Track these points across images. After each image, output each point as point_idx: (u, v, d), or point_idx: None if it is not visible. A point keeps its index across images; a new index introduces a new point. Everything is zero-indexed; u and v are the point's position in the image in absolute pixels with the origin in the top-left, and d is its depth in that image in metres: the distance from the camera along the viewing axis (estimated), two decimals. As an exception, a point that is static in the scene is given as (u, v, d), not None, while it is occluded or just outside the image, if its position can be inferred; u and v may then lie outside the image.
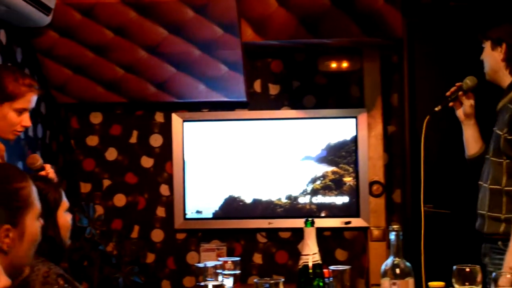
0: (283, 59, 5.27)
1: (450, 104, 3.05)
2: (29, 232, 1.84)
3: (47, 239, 2.47)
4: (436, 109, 2.99)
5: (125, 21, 4.58)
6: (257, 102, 5.26)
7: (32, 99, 3.01)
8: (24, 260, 1.87)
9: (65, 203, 2.57)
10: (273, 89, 5.29)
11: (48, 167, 3.11)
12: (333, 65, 5.19)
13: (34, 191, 1.89)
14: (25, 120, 3.00)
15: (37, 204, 1.89)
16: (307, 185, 5.12)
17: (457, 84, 3.04)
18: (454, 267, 2.27)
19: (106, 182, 5.32)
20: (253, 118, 5.19)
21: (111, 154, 5.33)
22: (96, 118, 5.35)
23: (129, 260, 4.97)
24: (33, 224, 1.87)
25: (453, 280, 2.26)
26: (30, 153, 4.48)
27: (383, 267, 2.34)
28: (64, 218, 2.56)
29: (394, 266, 2.31)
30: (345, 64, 5.19)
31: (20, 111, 2.97)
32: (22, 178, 1.87)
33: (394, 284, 2.29)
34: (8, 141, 4.02)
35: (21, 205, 1.82)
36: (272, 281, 2.47)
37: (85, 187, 5.31)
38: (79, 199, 5.15)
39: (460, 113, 3.06)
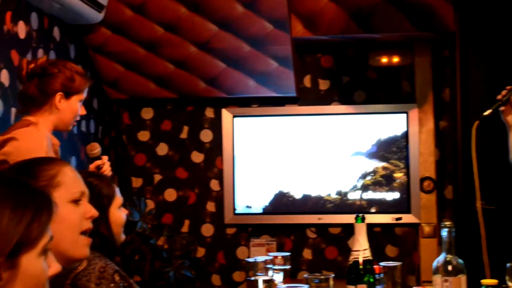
0: (333, 54, 5.25)
1: (502, 108, 2.94)
2: (59, 212, 1.75)
3: (99, 235, 2.51)
4: (486, 113, 2.88)
5: (175, 17, 4.61)
6: (307, 98, 5.25)
7: (87, 90, 3.12)
8: (63, 244, 1.77)
9: (118, 199, 2.59)
10: (323, 84, 5.28)
11: (105, 158, 3.19)
12: (384, 59, 5.15)
13: (71, 175, 1.86)
14: (82, 109, 3.12)
15: (72, 187, 1.84)
16: (357, 181, 5.09)
17: (508, 87, 2.94)
18: (508, 264, 2.24)
19: (157, 177, 5.38)
20: (303, 113, 5.18)
21: (162, 149, 5.38)
22: (147, 113, 5.41)
23: (180, 254, 5.01)
24: (62, 205, 1.78)
25: (507, 278, 2.23)
26: (83, 148, 4.56)
27: (435, 264, 2.32)
28: (117, 214, 2.59)
29: (446, 263, 2.29)
30: (396, 59, 5.14)
31: (81, 102, 3.08)
32: (51, 161, 1.86)
33: (446, 281, 2.27)
34: (62, 137, 4.11)
35: (43, 184, 1.76)
36: (322, 277, 2.47)
37: (137, 182, 5.37)
38: (130, 193, 5.22)
39: (509, 118, 2.95)
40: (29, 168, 1.81)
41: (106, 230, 2.53)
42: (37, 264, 1.31)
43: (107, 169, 3.19)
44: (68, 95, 3.04)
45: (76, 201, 1.85)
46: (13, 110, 3.63)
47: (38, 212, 1.31)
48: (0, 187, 1.30)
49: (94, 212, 1.90)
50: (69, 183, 1.83)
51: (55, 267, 1.37)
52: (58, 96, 3.01)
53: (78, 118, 3.13)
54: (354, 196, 5.10)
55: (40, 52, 4.00)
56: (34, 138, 2.91)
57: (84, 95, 3.10)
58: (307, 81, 5.27)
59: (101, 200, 2.52)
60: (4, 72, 3.58)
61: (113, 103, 5.28)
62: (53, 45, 4.20)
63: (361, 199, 5.08)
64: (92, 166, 3.21)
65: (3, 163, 1.57)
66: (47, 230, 1.33)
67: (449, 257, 2.29)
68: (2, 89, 3.55)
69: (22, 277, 1.28)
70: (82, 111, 3.14)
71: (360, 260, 2.45)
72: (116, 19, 4.63)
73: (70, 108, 3.06)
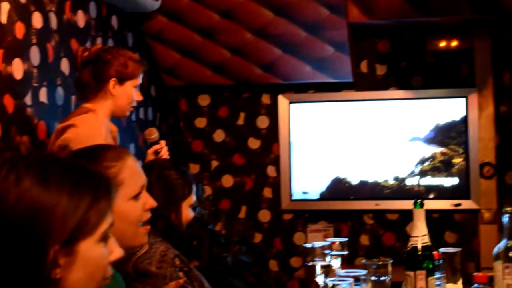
0: (390, 39, 5.19)
1: None
2: (117, 212, 1.78)
3: (167, 221, 2.56)
4: None
5: (231, 4, 4.62)
6: (363, 83, 5.21)
7: (142, 75, 3.15)
8: (125, 238, 1.80)
9: (192, 199, 2.64)
10: (380, 70, 5.23)
11: (163, 142, 3.24)
12: (442, 44, 5.07)
13: (131, 169, 1.87)
14: (138, 95, 3.17)
15: (132, 183, 1.87)
16: (415, 167, 5.04)
17: None
18: (495, 250, 2.19)
19: (214, 163, 5.42)
20: (359, 99, 5.15)
21: (219, 135, 5.42)
22: (204, 100, 5.45)
23: (237, 239, 5.05)
24: (124, 204, 1.83)
25: (494, 263, 2.19)
26: (141, 135, 4.62)
27: (495, 250, 2.29)
28: (187, 211, 2.64)
29: (507, 249, 2.25)
30: (454, 43, 5.06)
31: (136, 88, 3.12)
32: (113, 158, 1.87)
33: (507, 267, 2.24)
34: (121, 124, 4.17)
35: None
36: (380, 263, 2.46)
37: (194, 168, 5.42)
38: (188, 179, 5.26)
39: None
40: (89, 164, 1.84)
41: (176, 220, 2.58)
42: (96, 251, 1.30)
43: (165, 154, 3.24)
44: (121, 81, 3.08)
45: (136, 196, 1.88)
46: (73, 98, 3.70)
47: (97, 198, 1.30)
48: (59, 172, 1.28)
49: (152, 203, 1.93)
50: (130, 180, 1.86)
51: (117, 252, 1.37)
52: (112, 82, 3.06)
53: (134, 104, 3.17)
54: (411, 182, 5.05)
55: (99, 41, 4.06)
56: (93, 125, 2.96)
57: (139, 80, 3.14)
58: (363, 66, 5.23)
59: (175, 193, 2.58)
60: (64, 61, 3.65)
61: (170, 90, 5.33)
62: (111, 33, 4.26)
63: (419, 185, 5.03)
64: (150, 151, 3.26)
65: (64, 148, 1.59)
66: (107, 216, 1.32)
67: (510, 243, 2.26)
68: (63, 78, 3.62)
69: (81, 264, 1.27)
70: (139, 96, 3.18)
71: (419, 246, 2.43)
72: (172, 6, 4.66)
73: (125, 94, 3.10)
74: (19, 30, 3.20)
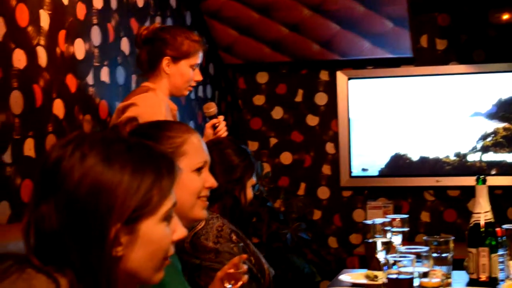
0: (451, 13, 5.10)
1: None
2: (182, 179, 1.82)
3: (234, 199, 2.59)
4: None
5: (289, -20, 4.60)
6: (423, 58, 5.13)
7: (201, 55, 3.16)
8: (183, 208, 1.83)
9: (253, 180, 2.68)
10: (440, 44, 5.14)
11: (221, 117, 3.26)
12: (505, 16, 4.94)
13: (195, 144, 1.91)
14: (197, 75, 3.18)
15: (195, 157, 1.90)
16: (477, 142, 4.95)
17: None
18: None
19: (273, 140, 5.43)
20: (419, 74, 5.08)
21: (277, 112, 5.42)
22: (262, 77, 5.45)
23: (296, 216, 5.06)
24: (186, 174, 1.85)
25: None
26: (200, 113, 4.66)
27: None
28: (249, 191, 2.68)
29: None
30: (517, 15, 4.93)
31: (193, 67, 3.13)
32: (179, 129, 1.91)
33: None
34: (180, 102, 4.21)
35: (170, 151, 1.81)
36: (441, 239, 2.44)
37: (253, 146, 5.44)
38: (247, 157, 5.28)
39: None
40: (156, 133, 1.88)
41: (242, 198, 2.61)
42: (158, 230, 1.31)
43: (222, 128, 3.26)
44: (176, 59, 3.10)
45: (198, 170, 1.92)
46: (134, 77, 3.75)
47: (159, 177, 1.31)
48: (122, 151, 1.30)
49: (213, 182, 1.96)
50: (193, 153, 1.90)
51: (180, 231, 1.37)
52: (166, 60, 3.09)
53: (193, 84, 3.19)
54: (473, 157, 4.97)
55: (158, 20, 4.09)
56: (153, 104, 3.00)
57: (196, 60, 3.14)
58: (423, 41, 5.15)
59: (239, 173, 2.61)
60: (125, 40, 3.70)
61: (228, 68, 5.35)
62: (169, 12, 4.29)
63: (481, 160, 4.95)
64: (208, 125, 3.29)
65: (132, 120, 1.61)
66: (169, 196, 1.33)
67: None
68: (123, 57, 3.67)
69: (142, 242, 1.28)
70: (198, 76, 3.19)
71: (482, 223, 2.40)
72: (230, -16, 4.66)
73: (179, 73, 3.11)
74: (80, 10, 3.25)
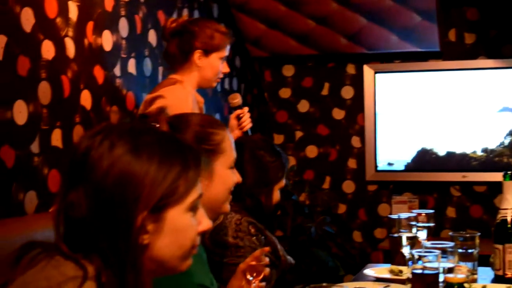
0: (479, 7, 5.05)
1: None
2: (219, 176, 1.93)
3: (256, 201, 2.59)
4: None
5: (316, -27, 4.59)
6: (451, 52, 5.09)
7: (229, 47, 3.19)
8: (216, 203, 1.95)
9: (283, 182, 2.67)
10: (469, 38, 5.09)
11: (245, 109, 3.26)
12: (535, 11, 4.89)
13: (230, 141, 1.97)
14: (225, 67, 3.21)
15: (231, 154, 1.97)
16: (505, 138, 4.91)
17: None
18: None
19: (298, 134, 5.42)
20: (447, 68, 5.03)
21: (303, 106, 5.41)
22: (288, 70, 5.44)
23: (321, 210, 5.05)
24: (224, 171, 1.96)
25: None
26: (226, 105, 4.67)
27: None
28: (277, 193, 2.67)
29: None
30: (548, 10, 4.87)
31: (223, 60, 3.14)
32: (218, 126, 1.96)
33: None
34: (206, 94, 4.22)
35: (211, 148, 1.90)
36: (467, 235, 2.43)
37: (278, 139, 5.44)
38: (272, 150, 5.28)
39: None
40: (202, 132, 1.92)
41: (266, 201, 2.61)
42: (184, 220, 1.33)
43: (246, 119, 3.26)
44: (207, 52, 3.12)
45: (232, 167, 2.00)
46: (161, 69, 3.76)
47: (186, 168, 1.33)
48: (150, 142, 1.32)
49: (239, 178, 2.05)
50: (229, 150, 1.99)
51: (205, 223, 1.40)
52: (197, 53, 3.10)
53: (221, 76, 3.21)
54: (501, 153, 4.92)
55: (185, 12, 4.10)
56: (180, 96, 3.02)
57: (225, 52, 3.16)
58: (451, 35, 5.11)
59: (269, 176, 2.60)
60: (152, 32, 3.71)
61: (255, 61, 5.34)
62: (197, 4, 4.30)
63: (509, 156, 4.90)
64: (232, 116, 3.30)
65: (162, 111, 1.63)
66: (196, 187, 1.35)
67: None
68: (150, 49, 3.69)
69: (168, 231, 1.31)
70: (225, 68, 3.21)
71: (509, 219, 2.38)
72: (257, -23, 4.66)
73: (210, 66, 3.13)
74: (108, 2, 3.27)
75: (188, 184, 1.33)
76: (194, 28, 3.11)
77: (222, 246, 2.44)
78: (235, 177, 2.01)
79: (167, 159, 1.31)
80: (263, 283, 2.09)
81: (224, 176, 1.95)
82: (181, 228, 1.33)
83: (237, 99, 3.30)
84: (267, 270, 2.08)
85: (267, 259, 2.08)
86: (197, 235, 1.38)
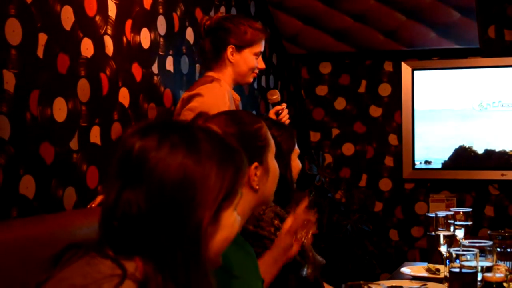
0: (520, 3, 4.98)
1: None
2: (272, 169, 1.94)
3: (282, 178, 2.58)
4: None
5: (354, -30, 4.57)
6: (491, 49, 5.03)
7: (263, 43, 3.20)
8: (270, 197, 1.96)
9: (297, 150, 2.66)
10: (509, 35, 5.03)
11: (284, 105, 3.28)
12: None
13: (268, 133, 1.97)
14: (261, 63, 3.21)
15: (273, 143, 1.97)
16: (545, 136, 4.84)
17: None
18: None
19: (335, 131, 5.41)
20: (487, 65, 4.98)
21: (340, 103, 5.39)
22: (325, 68, 5.43)
23: (357, 208, 5.04)
24: (273, 162, 1.96)
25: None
26: (263, 102, 4.67)
27: None
28: (297, 161, 2.66)
29: None
30: None
31: (257, 55, 3.15)
32: (258, 119, 1.97)
33: None
34: (243, 92, 4.24)
35: (263, 144, 1.91)
36: (506, 234, 2.40)
37: (315, 136, 5.43)
38: (309, 147, 5.29)
39: None
40: (247, 127, 1.92)
41: (285, 173, 2.59)
42: (232, 218, 1.36)
43: (285, 116, 3.28)
44: (239, 48, 3.13)
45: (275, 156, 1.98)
46: (198, 66, 3.78)
47: (238, 170, 1.35)
48: (206, 144, 1.32)
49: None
50: (271, 140, 1.96)
51: (239, 217, 1.42)
52: (230, 49, 3.12)
53: (256, 71, 3.21)
54: (541, 152, 4.86)
55: (222, 9, 4.11)
56: (217, 94, 3.03)
57: (259, 48, 3.16)
58: (491, 31, 5.05)
59: (281, 149, 2.59)
60: (189, 30, 3.73)
61: (292, 58, 5.34)
62: (234, 2, 4.31)
63: (549, 155, 4.84)
64: (272, 111, 3.32)
65: (201, 116, 1.65)
66: (242, 186, 1.38)
67: None
68: (187, 46, 3.71)
69: (221, 229, 1.33)
70: (261, 64, 3.21)
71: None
72: (294, -26, 4.65)
73: (244, 61, 3.14)
74: (147, 0, 3.29)
75: (239, 185, 1.36)
76: (227, 25, 3.12)
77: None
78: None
79: (224, 162, 1.33)
80: (311, 240, 2.12)
81: (274, 167, 1.95)
82: (230, 225, 1.35)
83: (276, 95, 3.32)
84: (315, 227, 2.11)
85: (314, 217, 2.10)
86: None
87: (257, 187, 1.87)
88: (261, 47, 3.18)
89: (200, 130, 1.36)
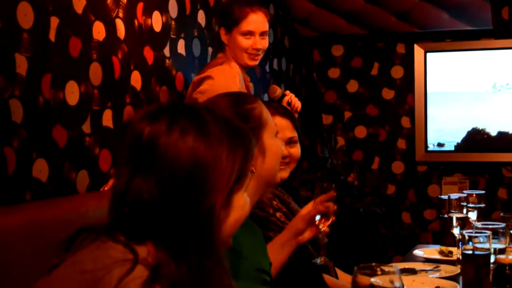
0: (534, -17, 4.94)
1: None
2: (269, 149, 1.91)
3: None
4: None
5: (366, -49, 4.54)
6: (505, 30, 4.99)
7: (255, 20, 3.12)
8: (271, 177, 1.92)
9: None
10: (523, 16, 4.99)
11: (288, 92, 3.24)
12: None
13: (266, 110, 1.93)
14: (256, 42, 3.13)
15: (271, 122, 1.93)
16: (559, 118, 4.81)
17: None
18: None
19: (347, 114, 5.39)
20: (500, 47, 4.95)
21: (352, 86, 5.38)
22: (337, 50, 5.41)
23: (370, 191, 5.03)
24: (271, 141, 1.91)
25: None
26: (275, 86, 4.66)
27: None
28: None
29: None
30: None
31: (245, 34, 3.10)
32: (252, 99, 1.94)
33: None
34: (255, 74, 4.22)
35: (255, 124, 1.86)
36: (520, 216, 2.39)
37: (327, 119, 5.42)
38: (321, 130, 5.28)
39: None
40: (239, 108, 1.89)
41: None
42: (243, 199, 1.36)
43: (296, 102, 3.25)
44: (228, 29, 3.13)
45: (276, 134, 1.94)
46: (210, 49, 3.77)
47: (248, 153, 1.35)
48: (215, 127, 1.32)
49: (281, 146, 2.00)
50: (270, 119, 1.93)
51: (249, 200, 1.42)
52: (222, 31, 3.14)
53: (252, 51, 3.15)
54: (555, 134, 4.83)
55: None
56: (228, 76, 3.02)
57: (246, 27, 3.11)
58: (505, 13, 5.01)
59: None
60: (201, 13, 3.72)
61: (304, 40, 5.32)
62: (245, -16, 4.28)
63: None
64: (283, 103, 3.29)
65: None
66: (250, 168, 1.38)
67: None
68: (199, 29, 3.70)
69: (233, 211, 1.33)
70: (257, 44, 3.13)
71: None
72: (306, -44, 4.62)
73: (234, 42, 3.13)
74: (158, -17, 3.29)
75: (249, 167, 1.36)
76: (221, 7, 3.15)
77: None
78: (282, 144, 1.97)
79: (234, 145, 1.32)
80: (328, 229, 2.10)
81: (273, 146, 1.91)
82: (241, 207, 1.35)
83: (277, 91, 3.26)
84: (334, 216, 2.09)
85: (335, 206, 2.08)
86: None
87: (252, 169, 1.86)
88: (248, 25, 3.12)
89: (207, 112, 1.35)
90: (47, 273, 1.27)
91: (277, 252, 2.08)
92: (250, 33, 3.13)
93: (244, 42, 3.12)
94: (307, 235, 2.12)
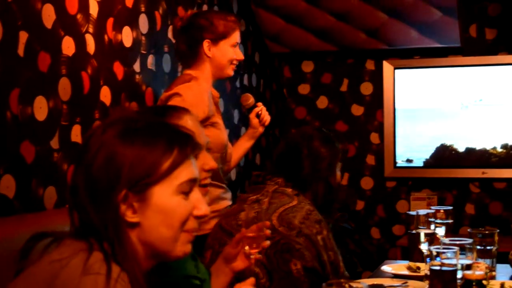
0: (501, 2, 5.01)
1: None
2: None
3: (325, 183, 2.66)
4: None
5: (336, -31, 4.57)
6: (472, 48, 5.05)
7: (239, 34, 3.19)
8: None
9: (340, 163, 2.73)
10: (490, 34, 5.06)
11: (260, 104, 3.29)
12: (557, 6, 4.85)
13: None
14: (238, 53, 3.20)
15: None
16: (525, 134, 4.87)
17: None
18: None
19: (317, 130, 5.40)
20: (468, 64, 5.01)
21: (322, 102, 5.40)
22: (307, 66, 5.44)
23: (339, 206, 5.04)
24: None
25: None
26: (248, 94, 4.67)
27: None
28: (338, 174, 2.74)
29: None
30: None
31: (234, 46, 3.14)
32: (175, 117, 1.98)
33: None
34: (225, 90, 4.23)
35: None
36: (486, 232, 2.42)
37: (297, 134, 5.42)
38: (291, 146, 5.28)
39: None
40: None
41: (332, 181, 2.67)
42: (172, 201, 1.40)
43: (265, 115, 3.30)
44: (215, 41, 3.13)
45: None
46: (180, 65, 3.77)
47: (169, 148, 1.41)
48: (138, 128, 1.43)
49: (213, 164, 2.10)
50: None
51: (204, 209, 1.46)
52: (206, 44, 3.12)
53: (235, 63, 3.21)
54: (521, 150, 4.90)
55: (205, 8, 4.11)
56: (196, 93, 3.02)
57: (235, 39, 3.16)
58: (472, 30, 5.08)
59: (327, 162, 2.65)
60: (171, 28, 3.72)
61: (274, 56, 5.34)
62: (216, 0, 4.30)
63: (529, 153, 4.87)
64: (252, 115, 3.32)
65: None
66: (184, 169, 1.42)
67: None
68: (170, 45, 3.70)
69: (155, 210, 1.39)
70: (239, 55, 3.20)
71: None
72: (277, -28, 4.65)
73: (221, 54, 3.14)
74: (128, -2, 3.28)
75: (173, 164, 1.41)
76: (199, 21, 3.13)
77: (287, 226, 2.46)
78: (201, 165, 1.95)
79: (150, 142, 1.40)
80: (260, 255, 2.07)
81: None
82: (168, 209, 1.40)
83: (250, 99, 3.31)
84: (267, 243, 2.07)
85: (268, 231, 2.06)
86: (192, 218, 1.44)
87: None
88: (236, 38, 3.18)
89: (140, 116, 1.47)
90: (13, 278, 1.38)
91: (213, 281, 2.05)
92: (236, 45, 3.18)
93: (232, 53, 3.16)
94: (240, 264, 2.07)
